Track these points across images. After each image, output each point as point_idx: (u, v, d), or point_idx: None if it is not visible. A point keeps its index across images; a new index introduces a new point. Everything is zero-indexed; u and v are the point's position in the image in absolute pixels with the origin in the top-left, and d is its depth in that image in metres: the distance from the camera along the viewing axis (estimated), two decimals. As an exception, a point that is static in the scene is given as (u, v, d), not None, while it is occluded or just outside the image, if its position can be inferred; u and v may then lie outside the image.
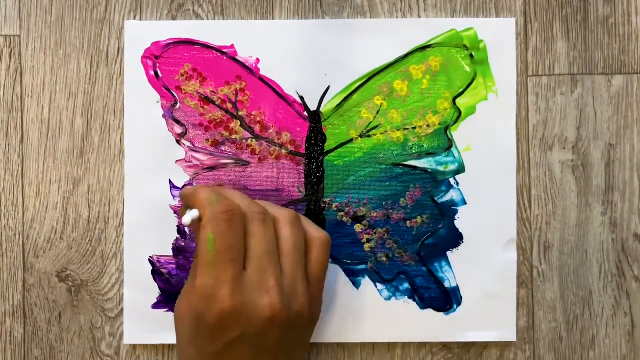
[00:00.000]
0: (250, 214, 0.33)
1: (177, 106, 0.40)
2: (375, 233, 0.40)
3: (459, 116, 0.40)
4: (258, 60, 0.40)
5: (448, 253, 0.40)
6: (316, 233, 0.35)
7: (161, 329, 0.40)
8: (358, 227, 0.41)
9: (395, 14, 0.41)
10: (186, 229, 0.40)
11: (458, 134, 0.41)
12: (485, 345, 0.41)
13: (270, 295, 0.31)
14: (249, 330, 0.31)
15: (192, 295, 0.32)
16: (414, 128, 0.41)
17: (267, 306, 0.31)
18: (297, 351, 0.34)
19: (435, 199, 0.40)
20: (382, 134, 0.41)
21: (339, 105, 0.41)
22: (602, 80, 0.41)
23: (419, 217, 0.41)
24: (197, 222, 0.33)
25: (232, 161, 0.41)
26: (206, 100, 0.40)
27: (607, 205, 0.41)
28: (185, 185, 0.40)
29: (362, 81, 0.40)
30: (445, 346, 0.41)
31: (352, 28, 0.40)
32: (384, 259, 0.40)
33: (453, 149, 0.40)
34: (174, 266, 0.40)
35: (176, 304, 0.34)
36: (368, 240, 0.40)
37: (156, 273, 0.40)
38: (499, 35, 0.41)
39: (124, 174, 0.40)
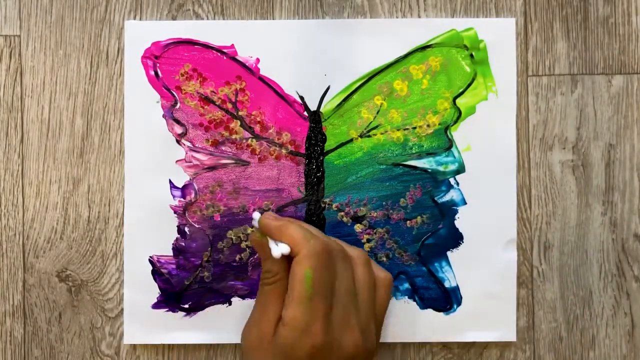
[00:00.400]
0: (336, 252, 0.34)
1: (177, 106, 0.40)
2: (375, 233, 0.40)
3: (459, 116, 0.40)
4: (258, 60, 0.40)
5: (448, 253, 0.40)
6: (382, 273, 0.36)
7: (161, 329, 0.40)
8: (358, 227, 0.41)
9: (395, 14, 0.41)
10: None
11: (458, 134, 0.41)
12: (485, 345, 0.41)
13: (354, 334, 0.33)
14: None
15: (265, 326, 0.33)
16: (414, 128, 0.41)
17: (351, 344, 0.33)
18: None
19: (435, 199, 0.40)
20: (382, 134, 0.41)
21: (339, 105, 0.41)
22: (602, 80, 0.41)
23: (419, 217, 0.41)
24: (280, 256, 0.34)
25: (232, 161, 0.41)
26: (206, 100, 0.40)
27: (607, 205, 0.41)
28: (255, 210, 0.40)
29: (362, 81, 0.40)
30: (445, 346, 0.41)
31: (352, 28, 0.40)
32: (384, 259, 0.40)
33: (453, 149, 0.40)
34: (174, 266, 0.40)
35: (245, 334, 0.35)
36: (368, 240, 0.40)
37: (156, 273, 0.40)
38: (499, 35, 0.41)
39: (124, 174, 0.40)
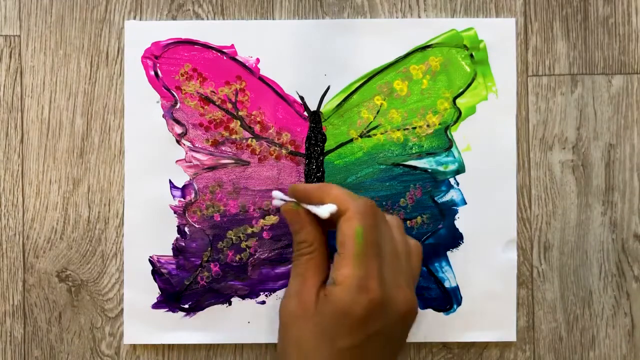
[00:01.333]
0: (378, 212, 0.33)
1: (177, 106, 0.40)
2: (375, 233, 0.40)
3: (459, 116, 0.40)
4: (258, 60, 0.40)
5: (448, 253, 0.40)
6: (412, 241, 0.35)
7: (161, 329, 0.40)
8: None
9: (395, 14, 0.41)
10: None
11: (458, 134, 0.41)
12: (485, 346, 0.41)
13: (405, 291, 0.32)
14: (388, 323, 0.32)
15: (307, 295, 0.32)
16: (414, 128, 0.41)
17: (403, 302, 0.32)
18: (405, 346, 0.35)
19: (436, 199, 0.40)
20: (382, 134, 0.41)
21: (339, 105, 0.41)
22: (602, 80, 0.41)
23: (419, 217, 0.41)
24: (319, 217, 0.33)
25: (232, 161, 0.41)
26: (206, 100, 0.40)
27: (607, 205, 0.41)
28: (274, 190, 0.36)
29: (362, 81, 0.40)
30: (445, 346, 0.41)
31: (352, 28, 0.40)
32: (384, 259, 0.40)
33: (453, 149, 0.40)
34: (174, 266, 0.40)
35: (284, 306, 0.33)
36: (368, 240, 0.40)
37: (156, 273, 0.40)
38: (499, 35, 0.41)
39: (124, 174, 0.40)
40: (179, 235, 0.40)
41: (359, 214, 0.31)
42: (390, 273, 0.32)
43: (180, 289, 0.40)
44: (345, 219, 0.32)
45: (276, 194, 0.35)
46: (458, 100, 0.40)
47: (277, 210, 0.40)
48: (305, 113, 0.41)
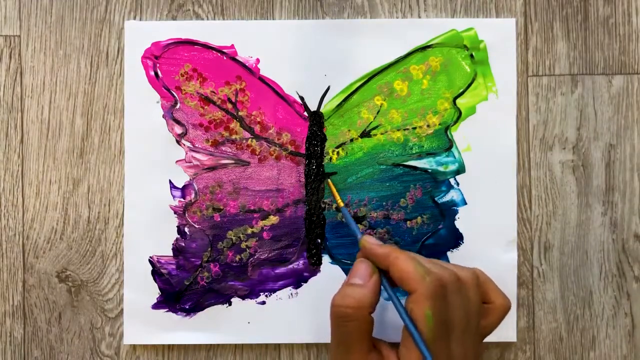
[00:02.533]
0: (449, 284, 0.32)
1: (177, 106, 0.40)
2: (375, 233, 0.40)
3: (459, 116, 0.40)
4: (258, 60, 0.40)
5: (448, 253, 0.40)
6: (499, 299, 0.34)
7: (161, 329, 0.40)
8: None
9: (396, 14, 0.41)
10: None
11: (458, 134, 0.40)
12: (486, 346, 0.41)
13: None
14: None
15: None
16: (414, 128, 0.41)
17: None
18: None
19: (436, 199, 0.40)
20: (382, 134, 0.41)
21: (339, 105, 0.41)
22: (602, 81, 0.41)
23: (419, 218, 0.40)
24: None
25: (232, 161, 0.41)
26: (206, 100, 0.40)
27: (607, 205, 0.41)
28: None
29: (362, 81, 0.40)
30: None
31: (352, 28, 0.40)
32: (384, 259, 0.40)
33: (453, 149, 0.40)
34: (174, 266, 0.40)
35: None
36: (368, 241, 0.40)
37: (156, 273, 0.40)
38: (499, 35, 0.41)
39: (124, 174, 0.40)
40: (179, 236, 0.40)
41: (429, 298, 0.31)
42: (458, 345, 0.32)
43: (180, 289, 0.40)
44: (414, 301, 0.31)
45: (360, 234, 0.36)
46: (458, 101, 0.40)
47: (278, 210, 0.40)
48: (305, 113, 0.41)
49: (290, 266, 0.41)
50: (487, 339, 0.40)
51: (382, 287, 0.34)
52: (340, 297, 0.32)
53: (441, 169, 0.40)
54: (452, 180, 0.40)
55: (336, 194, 0.39)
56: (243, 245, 0.40)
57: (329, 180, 0.40)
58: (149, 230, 0.40)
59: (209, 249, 0.40)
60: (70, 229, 0.41)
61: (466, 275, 0.33)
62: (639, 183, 0.41)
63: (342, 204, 0.39)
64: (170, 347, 0.41)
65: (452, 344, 0.31)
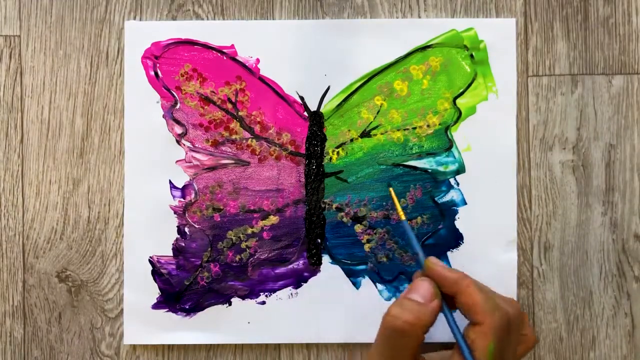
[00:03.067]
0: (512, 321, 0.33)
1: (177, 106, 0.40)
2: (375, 233, 0.40)
3: (459, 116, 0.40)
4: (258, 60, 0.40)
5: (448, 253, 0.40)
6: (531, 332, 0.35)
7: (161, 329, 0.40)
8: (358, 228, 0.40)
9: (396, 14, 0.41)
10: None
11: (458, 134, 0.40)
12: (486, 346, 0.41)
13: None
14: None
15: None
16: (414, 128, 0.41)
17: None
18: None
19: (436, 199, 0.40)
20: (382, 134, 0.41)
21: (339, 105, 0.41)
22: (602, 81, 0.41)
23: (419, 218, 0.40)
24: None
25: (232, 161, 0.41)
26: (206, 100, 0.40)
27: (607, 205, 0.41)
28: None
29: (362, 81, 0.40)
30: (446, 347, 0.41)
31: (352, 28, 0.40)
32: (384, 259, 0.40)
33: (453, 149, 0.40)
34: (174, 266, 0.40)
35: None
36: (368, 241, 0.40)
37: (156, 273, 0.40)
38: (499, 35, 0.41)
39: (124, 174, 0.40)
40: (179, 236, 0.40)
41: (495, 331, 0.31)
42: None
43: (180, 290, 0.40)
44: (480, 332, 0.31)
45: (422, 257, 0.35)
46: (458, 101, 0.40)
47: (278, 210, 0.41)
48: (305, 113, 0.41)
49: (290, 266, 0.41)
50: (487, 339, 0.40)
51: (442, 312, 0.33)
52: (400, 310, 0.32)
53: (441, 169, 0.40)
54: (452, 180, 0.40)
55: (398, 205, 0.38)
56: (243, 245, 0.40)
57: (390, 189, 0.39)
58: (149, 230, 0.40)
59: (209, 249, 0.40)
60: (70, 229, 0.41)
61: (516, 310, 0.34)
62: (639, 183, 0.41)
63: (403, 217, 0.38)
64: (170, 347, 0.41)
65: None
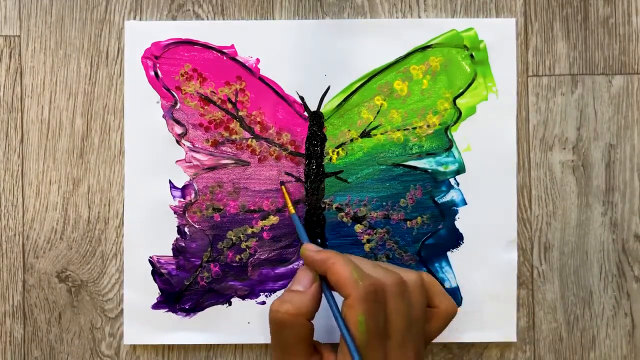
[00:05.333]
0: (389, 287, 0.32)
1: (177, 106, 0.40)
2: (375, 233, 0.40)
3: (459, 116, 0.40)
4: (258, 60, 0.40)
5: (448, 253, 0.40)
6: (444, 304, 0.34)
7: (161, 329, 0.40)
8: (358, 228, 0.40)
9: (395, 14, 0.41)
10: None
11: (458, 134, 0.40)
12: (486, 346, 0.41)
13: None
14: None
15: None
16: (414, 128, 0.41)
17: None
18: None
19: (436, 199, 0.40)
20: (382, 134, 0.41)
21: (339, 105, 0.41)
22: (602, 81, 0.41)
23: (419, 218, 0.40)
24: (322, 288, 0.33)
25: (232, 161, 0.41)
26: (206, 100, 0.40)
27: (607, 205, 0.41)
28: (303, 244, 0.36)
29: (362, 81, 0.40)
30: (446, 346, 0.41)
31: (352, 28, 0.40)
32: (384, 259, 0.40)
33: (453, 149, 0.40)
34: (173, 266, 0.40)
35: None
36: (368, 241, 0.40)
37: (156, 273, 0.40)
38: (499, 35, 0.41)
39: (124, 174, 0.40)
40: (179, 236, 0.40)
41: (362, 302, 0.30)
42: (397, 350, 0.31)
43: (180, 290, 0.40)
44: (348, 306, 0.31)
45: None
46: (458, 101, 0.40)
47: (278, 210, 0.41)
48: (305, 113, 0.41)
49: (290, 266, 0.41)
50: (487, 339, 0.40)
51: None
52: (279, 303, 0.32)
53: (441, 169, 0.40)
54: (452, 180, 0.40)
55: (289, 200, 0.39)
56: (243, 245, 0.40)
57: (282, 187, 0.40)
58: (149, 230, 0.40)
59: (209, 249, 0.40)
60: (70, 229, 0.41)
61: (410, 279, 0.33)
62: (639, 183, 0.41)
63: (293, 211, 0.39)
64: (170, 347, 0.41)
65: (390, 349, 0.31)
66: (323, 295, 0.34)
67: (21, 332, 0.41)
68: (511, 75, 0.41)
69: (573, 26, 0.41)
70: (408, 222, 0.40)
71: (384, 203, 0.40)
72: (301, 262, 0.40)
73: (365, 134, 0.41)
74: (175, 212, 0.40)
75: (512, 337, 0.40)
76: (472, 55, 0.40)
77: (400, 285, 0.32)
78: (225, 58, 0.40)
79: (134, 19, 0.41)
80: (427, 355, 0.41)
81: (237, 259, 0.40)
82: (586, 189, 0.41)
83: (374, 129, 0.41)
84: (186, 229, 0.40)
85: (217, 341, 0.40)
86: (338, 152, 0.41)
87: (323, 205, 0.40)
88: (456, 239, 0.40)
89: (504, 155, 0.40)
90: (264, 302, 0.40)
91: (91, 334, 0.41)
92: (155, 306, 0.40)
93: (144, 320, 0.40)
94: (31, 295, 0.41)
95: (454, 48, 0.40)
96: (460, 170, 0.40)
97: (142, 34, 0.40)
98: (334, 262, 0.32)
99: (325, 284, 0.34)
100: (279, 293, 0.40)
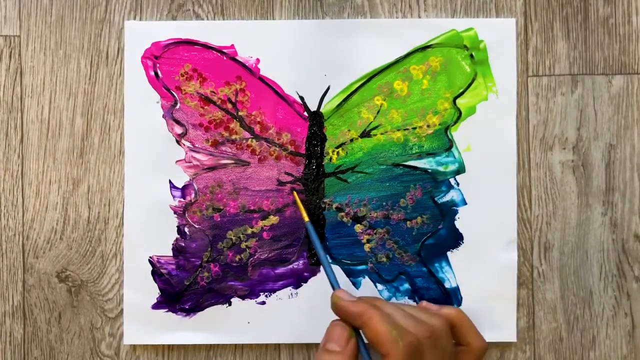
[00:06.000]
0: (423, 340, 0.32)
1: (177, 106, 0.40)
2: (375, 233, 0.40)
3: (459, 116, 0.40)
4: (258, 60, 0.40)
5: (448, 253, 0.40)
6: (475, 341, 0.34)
7: (161, 329, 0.40)
8: (358, 228, 0.40)
9: (395, 14, 0.41)
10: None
11: (458, 134, 0.40)
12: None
13: None
14: None
15: None
16: (414, 128, 0.41)
17: None
18: None
19: (436, 199, 0.40)
20: (382, 134, 0.41)
21: (339, 105, 0.41)
22: (602, 81, 0.41)
23: (419, 218, 0.40)
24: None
25: (232, 161, 0.41)
26: (206, 100, 0.40)
27: (607, 205, 0.41)
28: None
29: (362, 81, 0.40)
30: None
31: (352, 28, 0.40)
32: (384, 259, 0.40)
33: (453, 149, 0.40)
34: (173, 266, 0.40)
35: None
36: (368, 241, 0.40)
37: (156, 273, 0.40)
38: (499, 35, 0.41)
39: (124, 174, 0.40)
40: (179, 236, 0.40)
41: (399, 359, 0.30)
42: None
43: (180, 290, 0.40)
44: None
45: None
46: (458, 101, 0.40)
47: (278, 210, 0.41)
48: (305, 113, 0.41)
49: (290, 266, 0.41)
50: (487, 339, 0.40)
51: (360, 351, 0.33)
52: None
53: (441, 169, 0.40)
54: (452, 180, 0.40)
55: (303, 210, 0.39)
56: (243, 245, 0.40)
57: (294, 192, 0.40)
58: (149, 230, 0.40)
59: (209, 249, 0.40)
60: (70, 229, 0.41)
61: (439, 327, 0.33)
62: (639, 183, 0.41)
63: (307, 219, 0.38)
64: (170, 347, 0.41)
65: None
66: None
67: (21, 332, 0.41)
68: (511, 75, 0.41)
69: (573, 26, 0.41)
70: (408, 222, 0.40)
71: (384, 203, 0.40)
72: (301, 261, 0.40)
73: (365, 134, 0.41)
74: (175, 212, 0.40)
75: (512, 337, 0.40)
76: (472, 55, 0.40)
77: (433, 338, 0.32)
78: (225, 58, 0.40)
79: (134, 19, 0.41)
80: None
81: (237, 259, 0.40)
82: (586, 189, 0.41)
83: (374, 129, 0.41)
84: (186, 229, 0.40)
85: (217, 341, 0.40)
86: (338, 152, 0.41)
87: (323, 205, 0.40)
88: (456, 239, 0.40)
89: (504, 155, 0.40)
90: (264, 302, 0.40)
91: (91, 334, 0.41)
92: (155, 306, 0.40)
93: (144, 320, 0.40)
94: (31, 295, 0.41)
95: (454, 48, 0.40)
96: (460, 170, 0.40)
97: (142, 34, 0.40)
98: (371, 316, 0.32)
99: (360, 338, 0.33)
100: (279, 293, 0.40)
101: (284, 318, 0.40)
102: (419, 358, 0.31)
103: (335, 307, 0.34)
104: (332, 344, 0.32)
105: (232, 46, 0.40)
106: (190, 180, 0.40)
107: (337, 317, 0.34)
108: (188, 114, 0.40)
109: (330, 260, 0.38)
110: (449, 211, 0.40)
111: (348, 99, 0.40)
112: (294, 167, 0.41)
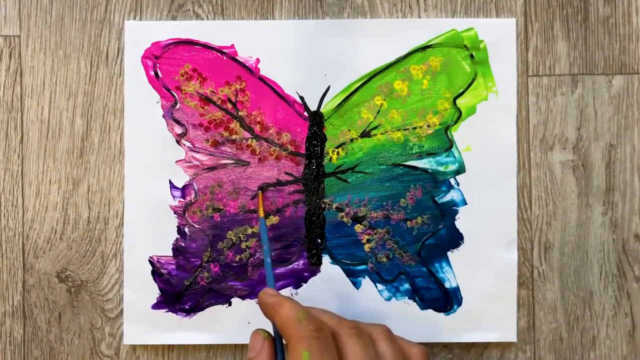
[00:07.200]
0: (343, 329, 0.31)
1: (177, 106, 0.40)
2: (375, 233, 0.40)
3: (459, 116, 0.40)
4: (258, 60, 0.40)
5: (448, 253, 0.40)
6: (414, 348, 0.32)
7: (161, 329, 0.40)
8: (358, 228, 0.40)
9: (396, 14, 0.41)
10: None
11: (458, 134, 0.40)
12: (486, 346, 0.41)
13: None
14: None
15: None
16: (414, 128, 0.41)
17: None
18: None
19: (436, 199, 0.40)
20: (382, 134, 0.41)
21: (339, 105, 0.41)
22: (602, 81, 0.41)
23: (419, 218, 0.40)
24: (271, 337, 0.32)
25: (232, 161, 0.41)
26: (206, 100, 0.40)
27: (607, 205, 0.41)
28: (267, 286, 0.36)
29: (362, 81, 0.40)
30: (446, 347, 0.41)
31: (352, 28, 0.40)
32: (384, 259, 0.40)
33: (453, 149, 0.40)
34: (173, 266, 0.40)
35: None
36: (368, 241, 0.40)
37: (156, 273, 0.40)
38: (499, 35, 0.41)
39: (124, 174, 0.40)
40: (179, 236, 0.40)
41: (302, 339, 0.29)
42: None
43: (180, 290, 0.40)
44: (291, 347, 0.29)
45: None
46: (458, 101, 0.40)
47: (278, 210, 0.41)
48: (306, 113, 0.41)
49: (290, 266, 0.41)
50: (487, 339, 0.40)
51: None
52: None
53: (441, 169, 0.40)
54: (452, 180, 0.40)
55: (261, 207, 0.39)
56: (243, 245, 0.40)
57: (259, 192, 0.40)
58: (149, 230, 0.40)
59: (209, 249, 0.40)
60: (70, 229, 0.41)
61: (373, 329, 0.32)
62: (639, 183, 0.41)
63: (262, 215, 0.39)
64: (170, 347, 0.41)
65: None
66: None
67: (21, 332, 0.41)
68: (511, 75, 0.41)
69: (573, 26, 0.41)
70: (408, 222, 0.40)
71: (384, 203, 0.40)
72: (301, 261, 0.40)
73: (365, 134, 0.41)
74: (175, 212, 0.40)
75: (512, 337, 0.40)
76: (472, 55, 0.40)
77: (355, 329, 0.31)
78: (225, 58, 0.40)
79: (134, 19, 0.41)
80: (427, 356, 0.41)
81: (237, 259, 0.40)
82: (586, 189, 0.41)
83: (374, 129, 0.41)
84: (186, 229, 0.40)
85: (217, 341, 0.40)
86: (338, 152, 0.41)
87: (323, 205, 0.40)
88: (456, 239, 0.40)
89: (504, 155, 0.40)
90: (264, 302, 0.40)
91: (91, 334, 0.41)
92: (155, 306, 0.40)
93: (143, 320, 0.40)
94: (31, 295, 0.41)
95: (454, 48, 0.40)
96: (460, 170, 0.40)
97: (142, 34, 0.40)
98: (282, 304, 0.30)
99: (277, 337, 0.33)
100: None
101: (284, 318, 0.40)
102: (330, 342, 0.29)
103: (258, 301, 0.33)
104: (250, 352, 0.32)
105: (232, 46, 0.40)
106: (190, 180, 0.40)
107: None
108: (188, 114, 0.40)
109: (270, 260, 0.37)
110: (449, 211, 0.40)
111: (348, 99, 0.40)
112: (294, 167, 0.40)
